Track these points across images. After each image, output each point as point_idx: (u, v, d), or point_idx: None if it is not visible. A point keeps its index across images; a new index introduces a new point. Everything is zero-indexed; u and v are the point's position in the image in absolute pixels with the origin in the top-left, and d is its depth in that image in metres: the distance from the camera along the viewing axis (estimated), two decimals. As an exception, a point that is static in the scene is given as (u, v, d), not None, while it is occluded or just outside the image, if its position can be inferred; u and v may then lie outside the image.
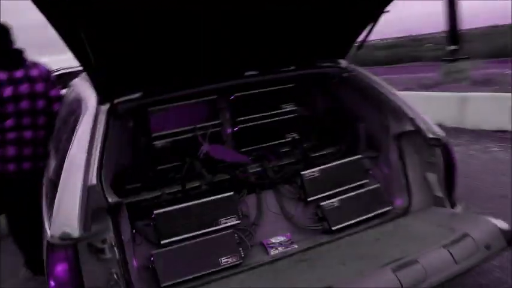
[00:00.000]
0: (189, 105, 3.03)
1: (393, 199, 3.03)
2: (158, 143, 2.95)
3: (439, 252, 2.27)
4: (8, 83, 3.52)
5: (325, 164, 3.01)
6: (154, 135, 2.94)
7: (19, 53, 3.62)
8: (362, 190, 3.00)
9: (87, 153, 2.28)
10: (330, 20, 2.80)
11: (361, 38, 3.05)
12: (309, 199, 2.87)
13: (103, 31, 2.20)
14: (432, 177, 2.89)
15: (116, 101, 2.58)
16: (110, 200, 2.18)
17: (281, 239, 2.76)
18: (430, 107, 7.79)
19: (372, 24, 2.91)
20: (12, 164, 3.56)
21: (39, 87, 3.65)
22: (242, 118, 3.18)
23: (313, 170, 2.93)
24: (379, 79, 3.15)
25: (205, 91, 2.98)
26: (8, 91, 3.51)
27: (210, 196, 2.71)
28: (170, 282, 2.42)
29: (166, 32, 2.41)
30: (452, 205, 2.89)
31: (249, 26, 2.59)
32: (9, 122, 3.53)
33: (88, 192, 2.12)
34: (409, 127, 2.91)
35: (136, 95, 2.69)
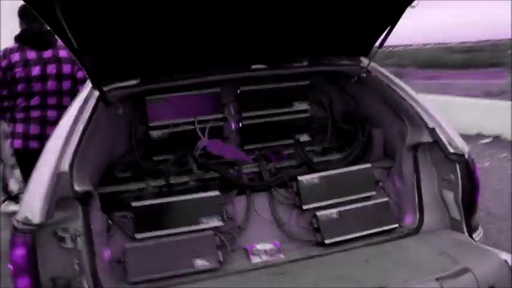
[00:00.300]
0: (191, 97, 2.82)
1: (403, 216, 2.65)
2: (155, 134, 2.78)
3: (429, 286, 1.90)
4: (36, 62, 3.53)
5: (329, 171, 2.69)
6: (151, 125, 2.78)
7: (50, 34, 3.62)
8: (367, 203, 2.64)
9: (66, 138, 2.16)
10: (350, 12, 2.47)
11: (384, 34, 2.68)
12: (304, 207, 2.57)
13: (83, 13, 2.04)
14: (450, 196, 2.48)
15: (107, 87, 2.44)
16: (77, 188, 2.04)
17: (268, 246, 2.49)
18: (487, 116, 7.08)
19: (396, 19, 2.54)
20: (35, 141, 3.58)
21: (67, 68, 3.64)
22: (248, 114, 2.93)
23: (312, 176, 2.62)
24: (401, 82, 2.75)
25: (208, 82, 2.76)
26: (36, 70, 3.52)
27: (196, 193, 2.50)
28: (139, 279, 2.25)
29: (163, 16, 2.21)
30: (471, 230, 2.47)
31: (259, 14, 2.32)
32: (34, 101, 3.55)
33: (56, 179, 2.00)
34: (426, 138, 2.51)
35: (132, 82, 2.53)
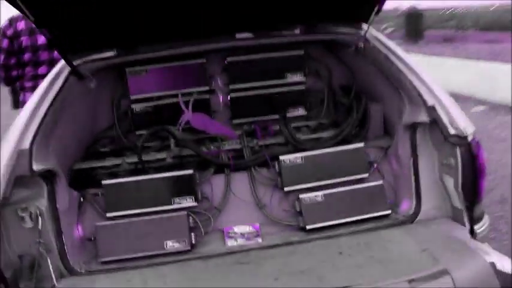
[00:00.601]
0: (175, 68, 2.63)
1: (398, 202, 2.37)
2: (137, 107, 2.63)
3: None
4: None
5: (316, 150, 2.43)
6: (132, 98, 2.63)
7: None
8: (358, 186, 2.37)
9: (31, 114, 2.06)
10: None
11: None
12: (286, 189, 2.35)
13: None
14: (450, 182, 2.17)
15: (80, 60, 2.30)
16: (35, 167, 1.95)
17: (246, 229, 2.31)
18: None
19: None
20: None
21: None
22: (237, 86, 2.70)
23: (295, 155, 2.38)
24: (403, 52, 2.39)
25: (193, 53, 2.55)
26: (42, 39, 3.45)
27: (171, 171, 2.35)
28: (108, 258, 2.16)
29: None
30: (473, 221, 2.15)
31: None
32: (42, 69, 3.51)
33: (16, 157, 1.92)
34: (423, 117, 2.18)
35: (108, 54, 2.37)
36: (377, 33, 2.48)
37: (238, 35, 2.42)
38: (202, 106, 2.65)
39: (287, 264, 1.92)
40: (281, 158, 2.36)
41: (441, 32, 21.58)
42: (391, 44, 2.42)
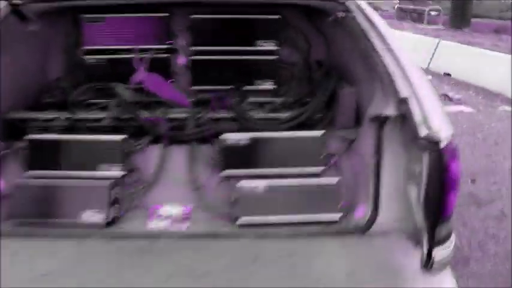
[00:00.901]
0: (134, 20, 2.29)
1: (354, 207, 1.97)
2: (89, 59, 2.31)
3: None
4: None
5: (267, 132, 2.05)
6: (85, 48, 2.31)
7: None
8: (308, 181, 1.98)
9: None
10: None
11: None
12: (223, 173, 2.00)
13: None
14: (414, 193, 1.75)
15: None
16: None
17: (174, 211, 1.99)
18: None
19: None
20: None
21: None
22: (201, 48, 2.32)
23: (241, 135, 2.01)
24: (388, 30, 1.92)
25: (153, 5, 2.19)
26: None
27: (103, 135, 2.04)
28: (20, 220, 1.90)
29: None
30: (433, 243, 1.72)
31: None
32: None
33: None
34: (390, 111, 1.75)
35: None
36: (363, 4, 2.02)
37: None
38: (161, 66, 2.31)
39: (195, 261, 1.59)
40: (222, 136, 1.99)
41: (494, 22, 19.91)
42: (376, 18, 1.96)
